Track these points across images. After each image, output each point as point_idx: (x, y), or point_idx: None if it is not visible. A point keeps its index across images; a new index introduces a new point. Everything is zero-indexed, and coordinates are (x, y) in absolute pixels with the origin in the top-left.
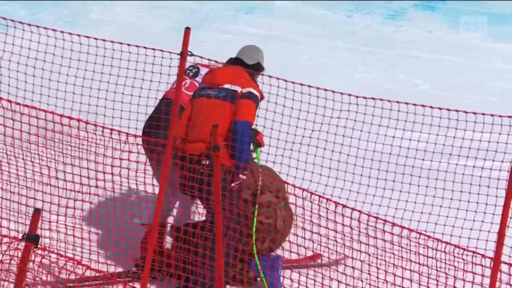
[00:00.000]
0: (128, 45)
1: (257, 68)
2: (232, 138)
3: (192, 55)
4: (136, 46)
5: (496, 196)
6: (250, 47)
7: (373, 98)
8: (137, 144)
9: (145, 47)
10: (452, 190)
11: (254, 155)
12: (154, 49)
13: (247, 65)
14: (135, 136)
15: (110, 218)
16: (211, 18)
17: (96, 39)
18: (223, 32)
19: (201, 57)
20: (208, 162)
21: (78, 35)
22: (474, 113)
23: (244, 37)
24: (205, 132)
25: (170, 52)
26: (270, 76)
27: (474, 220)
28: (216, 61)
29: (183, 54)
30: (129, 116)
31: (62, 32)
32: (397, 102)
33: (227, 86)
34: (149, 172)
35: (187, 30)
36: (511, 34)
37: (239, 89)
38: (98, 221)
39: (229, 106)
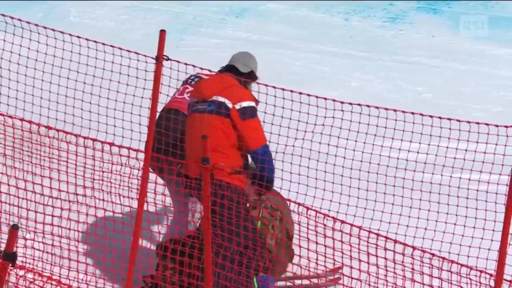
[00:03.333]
0: (103, 44)
1: (250, 76)
2: (258, 167)
3: (168, 59)
4: (111, 46)
5: (495, 212)
6: (243, 53)
7: (368, 106)
8: (121, 155)
9: (120, 48)
10: (448, 204)
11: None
12: (129, 51)
13: (240, 73)
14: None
15: (92, 234)
16: (198, 21)
17: (71, 35)
18: (211, 37)
19: (177, 61)
20: (213, 183)
21: (53, 30)
22: (468, 122)
23: (233, 42)
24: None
25: (145, 56)
26: (260, 84)
27: (472, 237)
28: (209, 70)
29: (159, 58)
30: (106, 121)
31: (37, 25)
32: (394, 110)
33: (215, 98)
34: (133, 186)
35: (162, 32)
36: None
37: (229, 103)
38: (79, 238)
39: (220, 119)
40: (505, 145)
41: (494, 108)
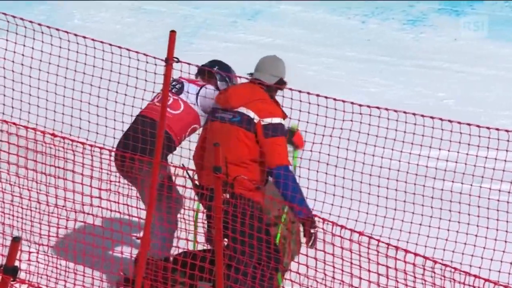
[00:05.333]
0: (110, 45)
1: (279, 85)
2: (278, 190)
3: (178, 61)
4: (119, 47)
5: None
6: (270, 61)
7: (387, 109)
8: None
9: (128, 49)
10: (468, 214)
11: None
12: (137, 53)
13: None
14: (110, 150)
15: (98, 247)
16: (208, 24)
17: (76, 35)
18: (221, 40)
19: (188, 63)
20: (228, 195)
21: (57, 29)
22: (488, 128)
23: (245, 45)
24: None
25: (154, 58)
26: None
27: (494, 250)
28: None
29: (169, 60)
30: (114, 127)
31: (40, 25)
32: (413, 114)
33: (241, 109)
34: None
35: (172, 33)
36: None
37: (255, 117)
38: (84, 251)
39: (244, 132)
40: None
41: None
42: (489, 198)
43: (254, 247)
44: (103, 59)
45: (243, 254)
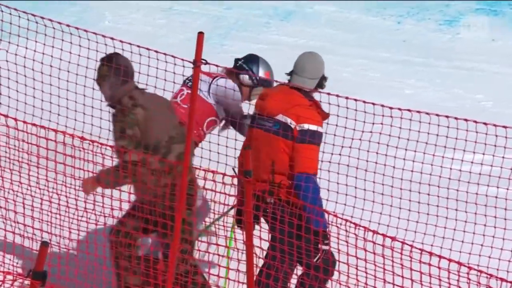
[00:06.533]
0: (138, 46)
1: (320, 85)
2: (297, 195)
3: (207, 63)
4: (147, 49)
5: None
6: (308, 62)
7: (418, 112)
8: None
9: (156, 51)
10: (505, 219)
11: None
12: (166, 54)
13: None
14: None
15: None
16: (240, 25)
17: (104, 36)
18: (254, 42)
19: (216, 65)
20: (273, 200)
21: (85, 31)
22: None
23: (278, 46)
24: (265, 169)
25: (182, 59)
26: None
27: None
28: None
29: (197, 62)
30: None
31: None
32: (446, 116)
33: (280, 117)
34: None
35: (200, 35)
36: None
37: (292, 124)
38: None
39: (283, 141)
40: None
41: None
42: None
43: (302, 254)
44: (131, 61)
45: (285, 260)
